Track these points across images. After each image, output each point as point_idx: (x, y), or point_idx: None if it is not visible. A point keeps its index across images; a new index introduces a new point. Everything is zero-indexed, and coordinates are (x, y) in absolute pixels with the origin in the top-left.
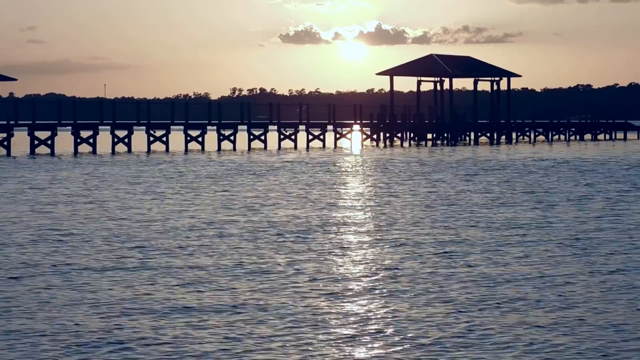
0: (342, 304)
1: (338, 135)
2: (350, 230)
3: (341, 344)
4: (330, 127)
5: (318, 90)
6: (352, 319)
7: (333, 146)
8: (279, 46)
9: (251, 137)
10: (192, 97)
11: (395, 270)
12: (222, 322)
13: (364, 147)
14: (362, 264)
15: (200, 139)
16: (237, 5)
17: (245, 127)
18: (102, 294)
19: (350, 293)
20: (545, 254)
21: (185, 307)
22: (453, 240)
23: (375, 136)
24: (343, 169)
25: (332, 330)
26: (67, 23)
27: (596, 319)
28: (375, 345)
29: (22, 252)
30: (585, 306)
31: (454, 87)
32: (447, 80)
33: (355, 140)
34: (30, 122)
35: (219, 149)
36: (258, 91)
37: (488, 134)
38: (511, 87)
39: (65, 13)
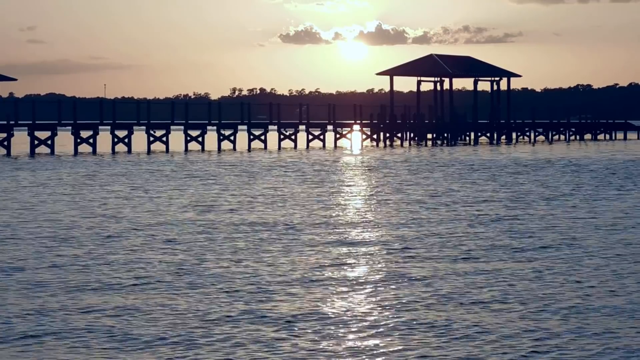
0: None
1: (338, 135)
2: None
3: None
4: (330, 127)
5: (318, 90)
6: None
7: (333, 146)
8: (279, 46)
9: (251, 137)
10: (192, 97)
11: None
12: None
13: (364, 147)
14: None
15: (200, 139)
16: (238, 5)
17: (245, 127)
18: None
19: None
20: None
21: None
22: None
23: (375, 136)
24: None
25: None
26: (67, 23)
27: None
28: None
29: None
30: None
31: (454, 87)
32: (447, 80)
33: (355, 140)
34: (30, 122)
35: (219, 149)
36: (258, 91)
37: (488, 134)
38: (511, 87)
39: (65, 13)
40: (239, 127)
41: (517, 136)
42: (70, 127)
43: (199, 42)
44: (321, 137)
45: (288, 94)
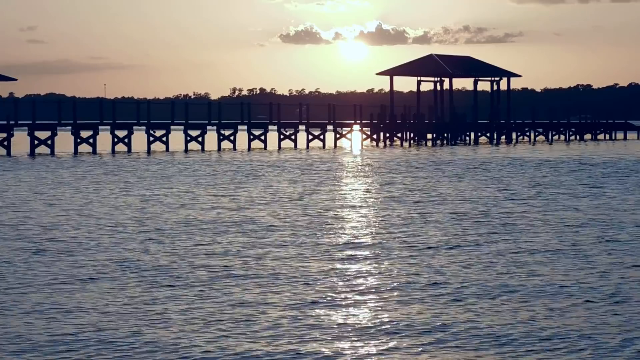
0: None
1: (338, 135)
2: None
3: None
4: (330, 127)
5: (318, 90)
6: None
7: (333, 146)
8: (279, 46)
9: (251, 137)
10: (192, 97)
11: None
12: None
13: (364, 147)
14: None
15: (200, 139)
16: (238, 5)
17: (245, 127)
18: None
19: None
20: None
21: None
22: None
23: (375, 136)
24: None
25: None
26: (67, 23)
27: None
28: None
29: None
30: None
31: (454, 87)
32: (447, 80)
33: (355, 140)
34: (30, 122)
35: (219, 149)
36: (258, 91)
37: (488, 134)
38: (511, 87)
39: (65, 13)
40: (239, 127)
41: (517, 136)
42: (70, 127)
43: (199, 42)
44: (321, 137)
45: (288, 94)
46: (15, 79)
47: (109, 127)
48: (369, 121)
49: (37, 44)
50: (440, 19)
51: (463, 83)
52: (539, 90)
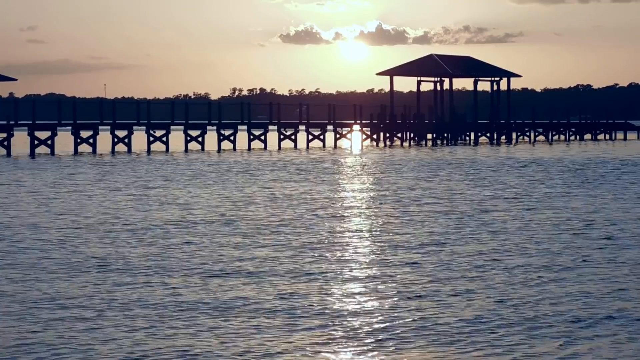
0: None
1: (338, 135)
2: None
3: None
4: (330, 127)
5: (318, 90)
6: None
7: (333, 146)
8: (279, 46)
9: (251, 137)
10: (192, 97)
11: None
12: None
13: (364, 147)
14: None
15: (200, 139)
16: (238, 5)
17: (245, 127)
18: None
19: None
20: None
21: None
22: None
23: (375, 136)
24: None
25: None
26: (67, 23)
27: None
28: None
29: None
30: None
31: (454, 87)
32: (447, 80)
33: (355, 140)
34: (30, 122)
35: (219, 149)
36: (258, 91)
37: (488, 134)
38: (511, 87)
39: (65, 13)
40: (239, 127)
41: (517, 136)
42: (70, 127)
43: (199, 42)
44: (321, 137)
45: (288, 94)
46: (15, 79)
47: (109, 127)
48: (369, 121)
49: (37, 44)
50: (440, 19)
51: (463, 83)
52: (539, 90)
